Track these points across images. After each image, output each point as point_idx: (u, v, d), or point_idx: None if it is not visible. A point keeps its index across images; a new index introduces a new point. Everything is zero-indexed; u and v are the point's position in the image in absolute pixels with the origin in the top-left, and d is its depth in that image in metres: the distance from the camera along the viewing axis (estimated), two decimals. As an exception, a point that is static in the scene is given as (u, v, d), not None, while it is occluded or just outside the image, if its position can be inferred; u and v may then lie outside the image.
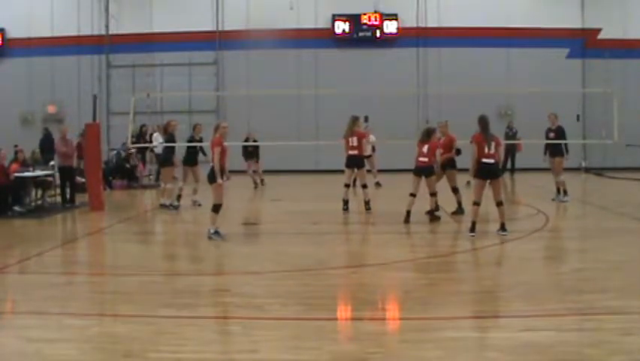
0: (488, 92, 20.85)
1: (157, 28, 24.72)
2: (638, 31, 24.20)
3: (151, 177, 21.76)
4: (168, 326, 5.96)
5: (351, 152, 13.73)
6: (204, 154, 15.16)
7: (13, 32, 25.29)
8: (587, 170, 23.39)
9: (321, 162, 23.58)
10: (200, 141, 15.46)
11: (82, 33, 24.93)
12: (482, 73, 23.22)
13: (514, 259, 8.95)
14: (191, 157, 15.20)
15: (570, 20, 24.67)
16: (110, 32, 25.11)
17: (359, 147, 13.75)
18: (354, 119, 14.00)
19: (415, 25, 24.69)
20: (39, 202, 15.01)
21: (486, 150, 10.20)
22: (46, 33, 24.69)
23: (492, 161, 10.26)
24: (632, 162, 22.75)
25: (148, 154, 21.92)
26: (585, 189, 19.03)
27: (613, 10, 24.18)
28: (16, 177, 13.95)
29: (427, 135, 12.36)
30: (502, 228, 10.42)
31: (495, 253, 9.49)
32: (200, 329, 5.93)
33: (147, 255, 10.10)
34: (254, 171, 19.47)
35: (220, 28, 25.29)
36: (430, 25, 24.63)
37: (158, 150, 21.22)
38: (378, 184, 18.41)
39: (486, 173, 10.28)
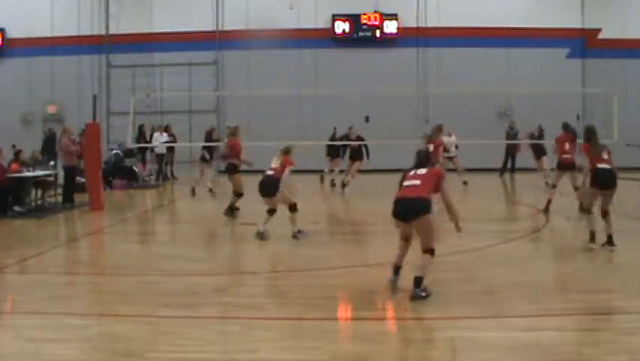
0: (488, 92, 20.87)
1: (157, 28, 24.71)
2: (638, 31, 24.21)
3: (151, 176, 21.78)
4: (168, 326, 5.95)
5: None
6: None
7: (13, 32, 25.29)
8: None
9: (321, 162, 23.57)
10: (218, 141, 16.67)
11: (82, 33, 24.92)
12: (482, 73, 23.21)
13: (514, 259, 8.94)
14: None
15: (570, 20, 24.68)
16: (110, 32, 25.10)
17: (434, 153, 13.49)
18: (439, 128, 14.07)
19: (415, 25, 24.70)
20: (39, 202, 15.00)
21: (605, 155, 9.37)
22: (46, 33, 24.69)
23: (608, 167, 9.35)
24: (632, 162, 22.71)
25: (148, 154, 21.94)
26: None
27: (613, 10, 24.19)
28: (16, 178, 13.94)
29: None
30: (610, 241, 9.11)
31: (495, 253, 9.48)
32: (199, 329, 5.93)
33: (147, 255, 10.10)
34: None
35: (220, 28, 25.29)
36: (430, 25, 24.63)
37: (159, 149, 21.31)
38: (465, 183, 18.36)
39: (604, 181, 9.28)
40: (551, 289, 7.33)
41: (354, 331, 6.01)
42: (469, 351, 5.24)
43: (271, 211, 10.39)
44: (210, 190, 17.02)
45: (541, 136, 18.14)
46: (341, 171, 18.47)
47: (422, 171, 7.00)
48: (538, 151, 17.77)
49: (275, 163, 10.48)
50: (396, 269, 6.99)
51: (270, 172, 10.40)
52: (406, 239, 7.02)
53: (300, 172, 20.53)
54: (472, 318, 6.10)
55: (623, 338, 5.47)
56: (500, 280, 7.94)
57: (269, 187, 10.26)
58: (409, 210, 6.75)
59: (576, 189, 12.73)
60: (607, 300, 6.63)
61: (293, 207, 10.35)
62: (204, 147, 17.60)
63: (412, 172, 7.07)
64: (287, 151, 10.56)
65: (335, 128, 19.54)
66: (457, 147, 19.31)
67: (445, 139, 16.71)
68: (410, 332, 5.82)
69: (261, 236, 10.22)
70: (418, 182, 6.89)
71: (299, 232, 10.33)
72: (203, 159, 17.47)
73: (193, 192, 16.93)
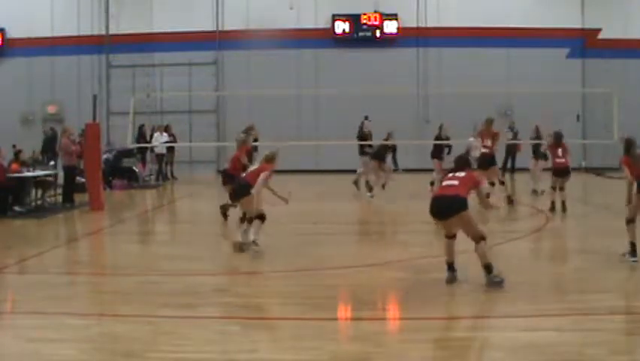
0: (488, 92, 20.86)
1: (157, 28, 24.73)
2: (638, 31, 24.21)
3: (151, 176, 21.78)
4: (168, 326, 5.95)
5: (485, 150, 14.04)
6: None
7: (13, 32, 25.30)
8: (587, 170, 23.38)
9: (321, 162, 23.59)
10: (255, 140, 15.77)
11: (82, 33, 24.93)
12: (482, 73, 23.22)
13: (514, 259, 8.94)
14: None
15: (570, 20, 24.69)
16: (110, 32, 25.11)
17: (492, 143, 14.04)
18: (491, 121, 14.29)
19: (415, 25, 24.70)
20: (39, 202, 15.00)
21: None
22: (46, 33, 24.70)
23: None
24: (632, 162, 22.72)
25: (148, 154, 21.94)
26: (585, 189, 19.01)
27: (613, 10, 24.19)
28: (17, 177, 13.94)
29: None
30: (634, 252, 8.53)
31: (495, 253, 9.47)
32: (199, 329, 5.93)
33: (147, 255, 10.10)
34: None
35: (220, 28, 25.30)
36: (430, 25, 24.64)
37: (159, 149, 21.31)
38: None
39: None
40: (551, 289, 7.33)
41: (354, 331, 6.01)
42: (469, 351, 5.24)
43: (247, 218, 9.53)
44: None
45: (538, 137, 17.76)
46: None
47: (461, 173, 7.39)
48: (538, 153, 17.37)
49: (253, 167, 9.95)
50: (450, 265, 7.35)
51: (243, 174, 10.02)
52: (450, 236, 7.34)
53: (300, 172, 20.57)
54: (472, 318, 6.11)
55: (623, 338, 5.47)
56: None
57: (239, 191, 9.60)
58: (444, 208, 7.15)
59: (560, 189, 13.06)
60: (607, 300, 6.63)
61: (260, 217, 9.32)
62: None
63: (450, 174, 7.46)
64: (269, 159, 9.74)
65: (440, 127, 17.44)
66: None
67: (472, 140, 16.53)
68: (410, 332, 5.82)
69: (241, 248, 9.27)
70: (455, 182, 7.26)
71: (254, 242, 9.16)
72: None
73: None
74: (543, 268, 8.55)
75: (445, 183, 7.46)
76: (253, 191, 9.23)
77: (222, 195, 15.51)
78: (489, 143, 14.17)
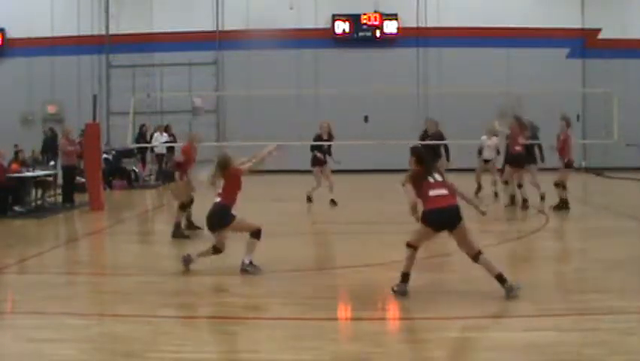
0: (488, 92, 20.85)
1: (157, 28, 24.72)
2: (638, 31, 24.22)
3: (151, 176, 21.78)
4: (168, 326, 5.96)
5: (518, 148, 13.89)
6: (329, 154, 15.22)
7: (13, 32, 25.30)
8: (587, 170, 23.39)
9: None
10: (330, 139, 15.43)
11: (82, 33, 24.93)
12: (482, 73, 23.21)
13: (514, 259, 8.95)
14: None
15: (570, 20, 24.69)
16: (110, 32, 25.11)
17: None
18: (521, 122, 14.14)
19: (415, 25, 24.70)
20: (39, 202, 15.00)
21: None
22: (46, 33, 24.70)
23: None
24: (632, 162, 22.74)
25: (148, 154, 21.94)
26: (585, 189, 19.01)
27: (613, 10, 24.20)
28: (17, 177, 13.95)
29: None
30: None
31: (495, 253, 9.46)
32: (200, 329, 5.93)
33: (147, 255, 10.10)
34: None
35: (220, 28, 25.29)
36: (430, 25, 24.64)
37: (159, 149, 21.30)
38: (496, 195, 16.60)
39: None
40: (551, 289, 7.33)
41: (354, 331, 6.01)
42: (469, 351, 5.24)
43: (216, 249, 8.21)
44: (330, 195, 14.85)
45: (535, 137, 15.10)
46: None
47: (439, 177, 6.96)
48: (529, 157, 14.52)
49: (219, 187, 8.29)
50: (408, 276, 6.89)
51: (217, 199, 8.27)
52: (421, 246, 6.96)
53: (300, 172, 20.56)
54: (472, 318, 6.10)
55: (623, 338, 5.47)
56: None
57: (214, 218, 8.20)
58: (455, 218, 6.71)
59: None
60: (607, 300, 6.63)
61: (257, 234, 8.21)
62: (315, 148, 15.36)
63: (431, 180, 6.91)
64: (224, 164, 8.33)
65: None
66: (498, 150, 16.47)
67: (484, 139, 16.23)
68: (410, 332, 5.82)
69: (256, 270, 8.02)
70: (445, 191, 6.83)
71: (187, 257, 8.15)
72: (316, 161, 15.28)
73: (309, 199, 15.09)
74: (543, 268, 8.55)
75: (436, 193, 6.79)
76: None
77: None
78: (522, 140, 13.86)
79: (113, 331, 5.87)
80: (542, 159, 14.67)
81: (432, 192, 6.81)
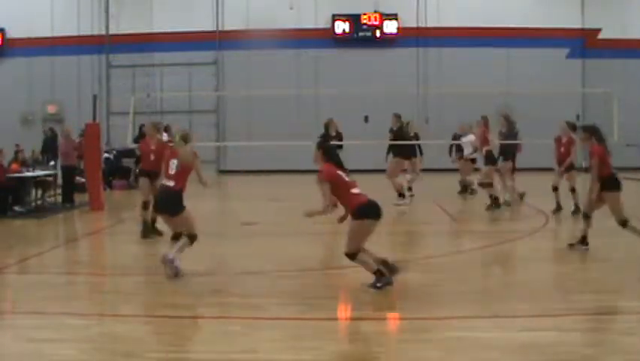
0: (488, 92, 20.86)
1: (157, 28, 24.75)
2: (638, 31, 24.24)
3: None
4: (168, 326, 5.95)
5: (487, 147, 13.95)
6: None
7: (13, 32, 25.33)
8: (587, 170, 23.34)
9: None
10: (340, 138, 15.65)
11: (82, 33, 24.96)
12: (482, 73, 23.23)
13: (514, 259, 8.95)
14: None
15: (570, 20, 24.71)
16: (110, 32, 25.12)
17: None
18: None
19: (415, 25, 24.73)
20: (39, 202, 15.00)
21: None
22: (46, 33, 24.72)
23: None
24: (632, 162, 22.73)
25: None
26: (585, 189, 18.95)
27: (613, 10, 24.22)
28: (17, 177, 13.94)
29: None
30: None
31: (495, 253, 9.49)
32: (199, 329, 5.93)
33: (147, 255, 10.09)
34: None
35: (220, 28, 25.31)
36: (430, 25, 24.67)
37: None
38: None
39: None
40: (551, 289, 7.33)
41: (354, 331, 6.01)
42: (469, 351, 5.23)
43: (176, 236, 7.93)
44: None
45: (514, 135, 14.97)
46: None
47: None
48: (506, 153, 14.43)
49: (172, 169, 7.77)
50: (379, 272, 7.01)
51: (169, 183, 7.78)
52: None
53: (300, 172, 20.58)
54: (472, 318, 6.10)
55: (623, 338, 5.47)
56: (500, 280, 7.95)
57: (167, 203, 7.82)
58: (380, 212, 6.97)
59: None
60: (607, 300, 6.63)
61: (192, 237, 7.75)
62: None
63: (346, 177, 7.04)
64: (186, 138, 7.91)
65: (407, 124, 16.42)
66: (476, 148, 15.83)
67: (469, 138, 16.20)
68: (410, 332, 5.82)
69: (173, 271, 7.57)
70: (359, 190, 7.03)
71: (172, 261, 7.58)
72: None
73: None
74: (543, 268, 8.55)
75: (357, 190, 6.99)
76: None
77: (223, 195, 15.52)
78: (491, 137, 14.02)
79: (113, 331, 5.87)
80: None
81: (353, 190, 7.00)
